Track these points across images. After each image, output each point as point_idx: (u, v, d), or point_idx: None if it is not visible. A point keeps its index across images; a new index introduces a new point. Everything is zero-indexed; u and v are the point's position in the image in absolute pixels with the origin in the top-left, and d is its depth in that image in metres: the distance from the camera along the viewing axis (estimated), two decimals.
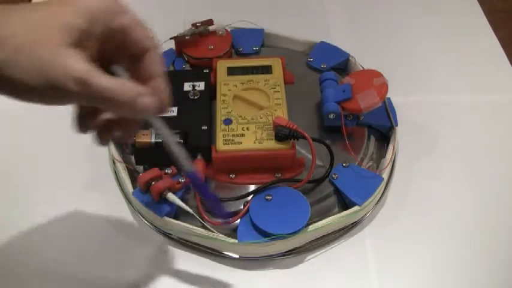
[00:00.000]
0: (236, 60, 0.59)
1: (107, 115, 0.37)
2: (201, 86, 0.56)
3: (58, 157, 0.57)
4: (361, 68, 0.61)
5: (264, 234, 0.46)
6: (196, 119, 0.53)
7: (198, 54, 0.61)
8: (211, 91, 0.56)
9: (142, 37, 0.34)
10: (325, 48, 0.65)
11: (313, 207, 0.48)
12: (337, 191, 0.51)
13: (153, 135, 0.49)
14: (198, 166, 0.49)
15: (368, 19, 0.74)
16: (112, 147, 0.54)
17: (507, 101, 0.63)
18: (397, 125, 0.56)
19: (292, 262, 0.49)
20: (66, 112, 0.62)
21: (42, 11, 0.31)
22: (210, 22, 0.63)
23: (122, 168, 0.52)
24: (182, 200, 0.48)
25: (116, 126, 0.37)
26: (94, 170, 0.55)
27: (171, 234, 0.49)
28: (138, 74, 0.35)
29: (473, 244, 0.50)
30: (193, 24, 0.63)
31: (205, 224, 0.48)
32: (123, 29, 0.33)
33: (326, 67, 0.62)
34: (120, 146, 0.54)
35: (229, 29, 0.64)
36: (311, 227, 0.47)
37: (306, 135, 0.48)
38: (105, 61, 0.34)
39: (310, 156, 0.49)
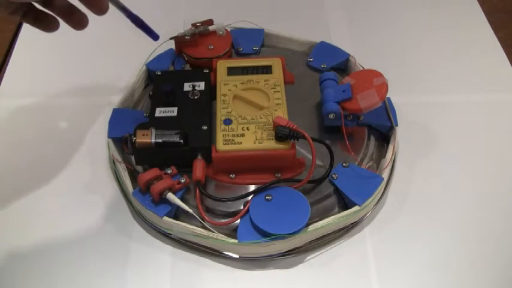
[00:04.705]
0: (236, 60, 0.59)
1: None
2: (201, 86, 0.56)
3: (58, 157, 0.57)
4: (361, 68, 0.61)
5: (264, 234, 0.46)
6: (196, 119, 0.53)
7: (198, 54, 0.61)
8: (211, 91, 0.56)
9: None
10: (325, 48, 0.65)
11: (313, 207, 0.48)
12: (337, 191, 0.51)
13: (153, 135, 0.49)
14: (198, 166, 0.49)
15: (368, 19, 0.74)
16: (112, 147, 0.54)
17: (507, 101, 0.63)
18: (397, 125, 0.56)
19: (292, 262, 0.49)
20: (66, 112, 0.62)
21: None
22: (210, 22, 0.63)
23: (122, 168, 0.52)
24: (182, 200, 0.48)
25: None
26: (94, 170, 0.55)
27: (171, 234, 0.49)
28: None
29: (474, 244, 0.50)
30: (193, 24, 0.63)
31: (205, 224, 0.48)
32: None
33: (326, 67, 0.62)
34: (120, 146, 0.54)
35: (229, 29, 0.64)
36: (311, 227, 0.47)
37: (306, 135, 0.48)
38: None
39: (310, 156, 0.49)
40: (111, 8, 0.47)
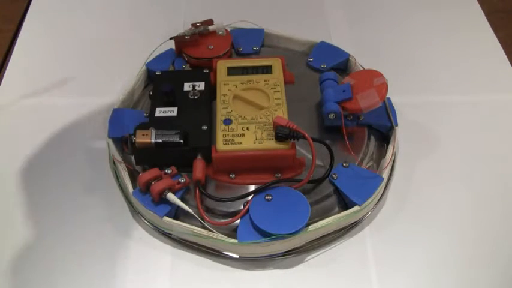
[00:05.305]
0: (236, 60, 0.59)
1: None
2: (201, 86, 0.56)
3: (58, 157, 0.57)
4: (361, 68, 0.61)
5: (264, 234, 0.46)
6: (196, 119, 0.53)
7: (198, 54, 0.61)
8: (211, 91, 0.56)
9: None
10: (325, 48, 0.65)
11: (313, 207, 0.48)
12: (337, 191, 0.51)
13: (153, 135, 0.49)
14: (198, 166, 0.49)
15: (368, 19, 0.74)
16: (112, 147, 0.54)
17: (507, 101, 0.63)
18: (397, 125, 0.56)
19: (292, 262, 0.49)
20: (66, 112, 0.62)
21: None
22: (210, 22, 0.63)
23: (122, 168, 0.52)
24: (182, 200, 0.48)
25: None
26: (94, 170, 0.55)
27: (171, 234, 0.50)
28: None
29: (473, 244, 0.50)
30: (193, 24, 0.63)
31: (205, 224, 0.48)
32: None
33: (326, 67, 0.62)
34: (120, 146, 0.54)
35: (229, 29, 0.64)
36: (311, 227, 0.47)
37: (306, 135, 0.48)
38: None
39: (310, 156, 0.49)
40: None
